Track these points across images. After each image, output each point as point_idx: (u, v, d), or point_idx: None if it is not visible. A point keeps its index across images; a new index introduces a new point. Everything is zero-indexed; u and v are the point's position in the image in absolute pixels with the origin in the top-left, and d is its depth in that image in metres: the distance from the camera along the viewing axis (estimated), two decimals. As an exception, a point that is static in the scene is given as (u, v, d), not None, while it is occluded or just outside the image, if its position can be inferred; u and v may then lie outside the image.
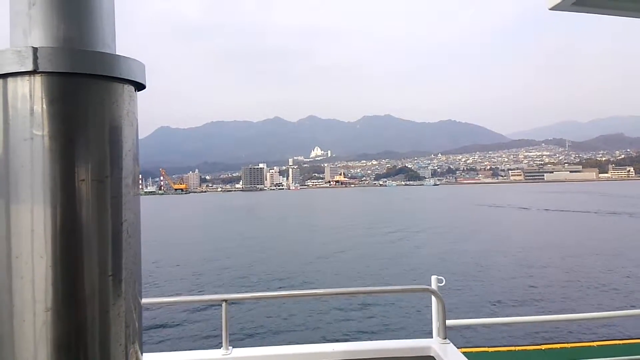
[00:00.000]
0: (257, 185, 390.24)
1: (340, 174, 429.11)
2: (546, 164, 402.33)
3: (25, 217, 0.70)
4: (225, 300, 2.84)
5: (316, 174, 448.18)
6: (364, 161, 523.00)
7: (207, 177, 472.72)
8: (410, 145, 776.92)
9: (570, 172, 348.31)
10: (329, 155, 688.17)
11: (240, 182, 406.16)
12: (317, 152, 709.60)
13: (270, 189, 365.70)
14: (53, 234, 0.70)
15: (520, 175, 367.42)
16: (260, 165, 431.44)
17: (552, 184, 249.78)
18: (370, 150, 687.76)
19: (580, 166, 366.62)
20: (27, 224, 0.70)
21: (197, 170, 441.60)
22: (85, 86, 0.73)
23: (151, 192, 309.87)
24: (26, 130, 0.70)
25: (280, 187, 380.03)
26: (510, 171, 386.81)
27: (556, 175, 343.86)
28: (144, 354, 0.86)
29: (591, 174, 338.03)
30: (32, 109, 0.70)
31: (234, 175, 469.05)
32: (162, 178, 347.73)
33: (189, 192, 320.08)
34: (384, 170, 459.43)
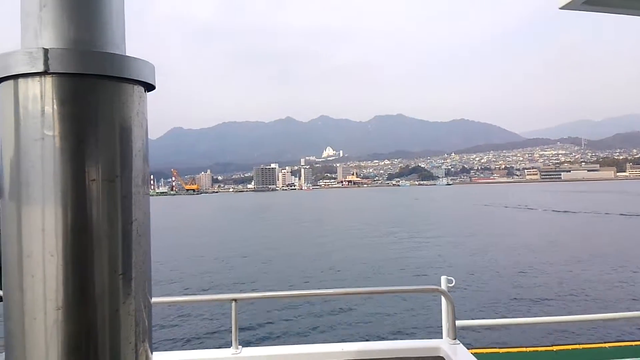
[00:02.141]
0: (270, 186, 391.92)
1: (353, 174, 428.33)
2: (562, 162, 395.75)
3: (36, 216, 0.71)
4: (235, 300, 2.85)
5: (328, 174, 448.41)
6: (376, 161, 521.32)
7: (219, 178, 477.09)
8: (423, 145, 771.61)
9: (588, 171, 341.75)
10: (341, 155, 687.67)
11: (253, 183, 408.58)
12: (329, 152, 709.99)
13: (283, 189, 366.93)
14: (64, 233, 0.71)
15: (536, 174, 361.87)
16: (272, 166, 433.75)
17: (571, 183, 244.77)
18: (382, 150, 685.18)
19: (598, 165, 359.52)
20: (38, 223, 0.71)
21: (209, 171, 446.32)
22: (95, 87, 0.74)
23: (163, 192, 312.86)
24: (37, 130, 0.71)
25: (293, 188, 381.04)
26: (525, 170, 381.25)
27: (573, 174, 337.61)
28: (153, 352, 0.87)
29: (609, 173, 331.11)
30: (43, 110, 0.71)
31: (246, 175, 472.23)
32: (173, 179, 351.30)
33: (201, 193, 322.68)
34: (397, 170, 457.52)
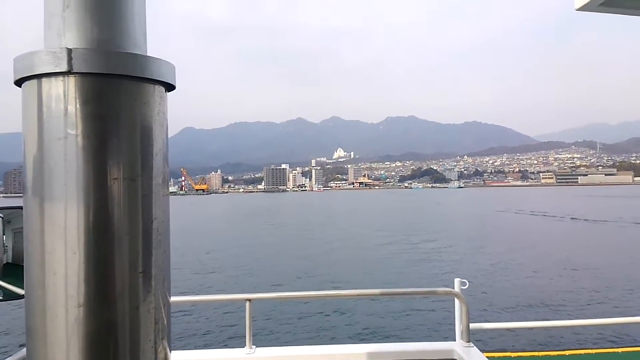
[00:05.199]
0: (280, 186, 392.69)
1: (364, 176, 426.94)
2: (578, 166, 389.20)
3: (58, 214, 0.72)
4: (249, 300, 2.87)
5: (339, 175, 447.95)
6: (388, 162, 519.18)
7: (230, 178, 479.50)
8: (435, 147, 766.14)
9: (605, 175, 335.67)
10: (352, 156, 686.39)
11: (263, 183, 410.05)
12: (340, 153, 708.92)
13: (293, 190, 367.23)
14: (86, 231, 0.72)
15: (552, 178, 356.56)
16: (283, 166, 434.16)
17: (588, 188, 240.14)
18: (394, 151, 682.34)
19: (615, 169, 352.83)
20: (61, 220, 0.72)
21: (219, 171, 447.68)
22: (117, 87, 0.75)
23: (172, 192, 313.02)
24: (60, 129, 0.72)
25: (303, 189, 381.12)
26: (541, 174, 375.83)
27: (590, 178, 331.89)
28: (171, 351, 0.88)
29: (627, 177, 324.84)
30: (66, 109, 0.72)
31: (257, 176, 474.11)
32: (183, 178, 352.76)
33: (211, 193, 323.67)
34: (409, 172, 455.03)
